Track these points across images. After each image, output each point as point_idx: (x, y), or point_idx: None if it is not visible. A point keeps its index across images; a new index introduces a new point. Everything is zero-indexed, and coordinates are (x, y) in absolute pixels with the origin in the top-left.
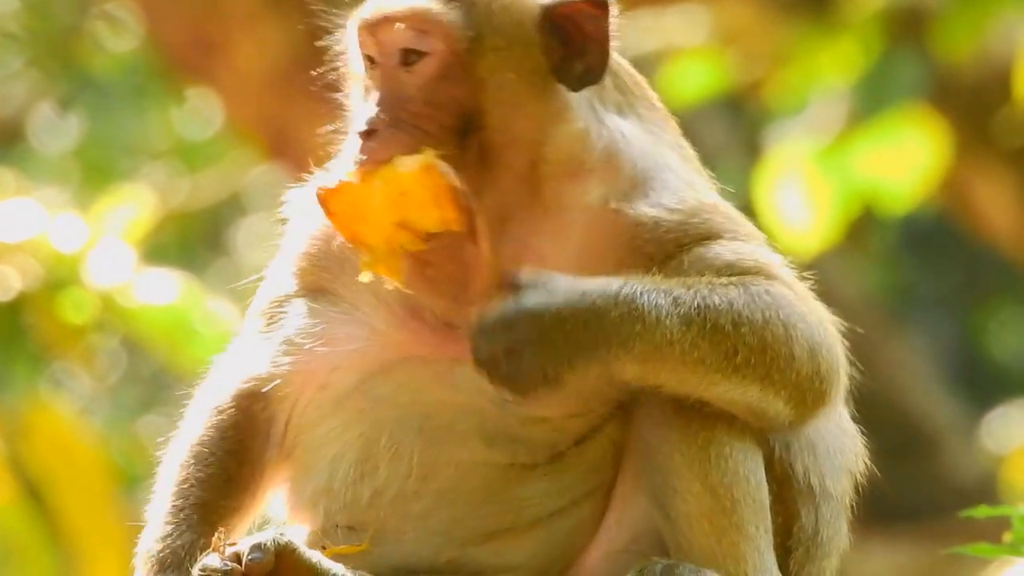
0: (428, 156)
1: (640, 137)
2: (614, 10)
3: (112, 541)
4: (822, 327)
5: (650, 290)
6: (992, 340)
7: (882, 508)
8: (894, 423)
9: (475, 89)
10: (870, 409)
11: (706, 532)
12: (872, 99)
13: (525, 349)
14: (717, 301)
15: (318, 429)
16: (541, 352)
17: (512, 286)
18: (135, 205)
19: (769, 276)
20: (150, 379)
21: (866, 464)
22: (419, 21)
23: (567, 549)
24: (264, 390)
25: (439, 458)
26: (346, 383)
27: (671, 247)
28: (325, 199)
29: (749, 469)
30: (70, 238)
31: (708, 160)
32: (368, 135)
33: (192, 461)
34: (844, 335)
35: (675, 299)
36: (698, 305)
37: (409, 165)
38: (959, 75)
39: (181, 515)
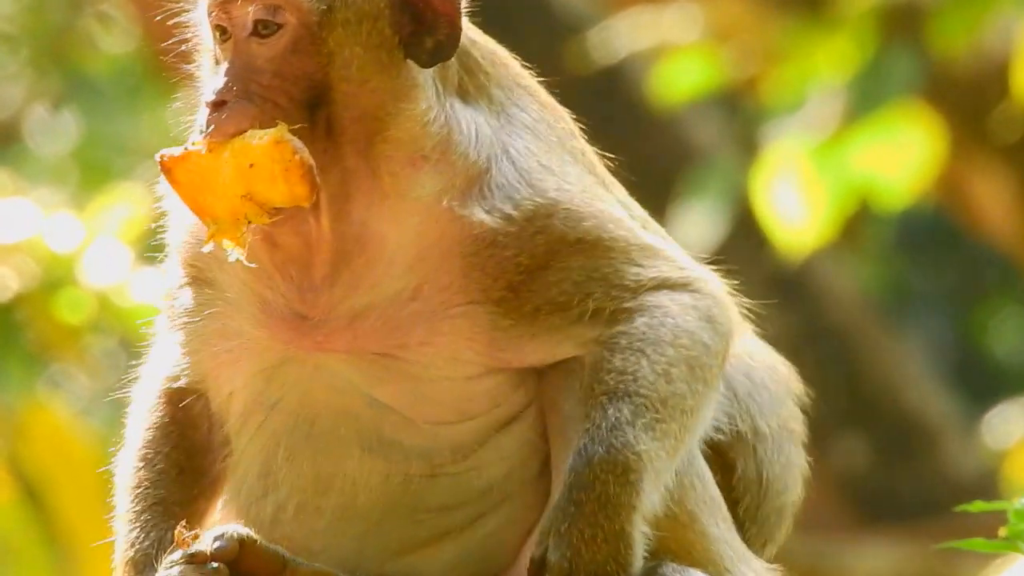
0: (281, 130)
1: (482, 123)
2: None
3: (109, 541)
4: (721, 307)
5: (620, 439)
6: (990, 336)
7: (881, 505)
8: (892, 420)
9: (324, 63)
10: (868, 406)
11: (673, 551)
12: (868, 95)
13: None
14: (649, 378)
15: (234, 443)
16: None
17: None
18: (131, 205)
19: (611, 295)
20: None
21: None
22: None
23: (489, 560)
24: (185, 386)
25: (331, 469)
26: (245, 388)
27: (512, 271)
28: (170, 168)
29: (694, 471)
30: (66, 238)
31: (704, 157)
32: (217, 106)
33: (141, 464)
34: (840, 332)
35: (634, 420)
36: (642, 405)
37: (261, 138)
38: (955, 71)
39: (143, 517)
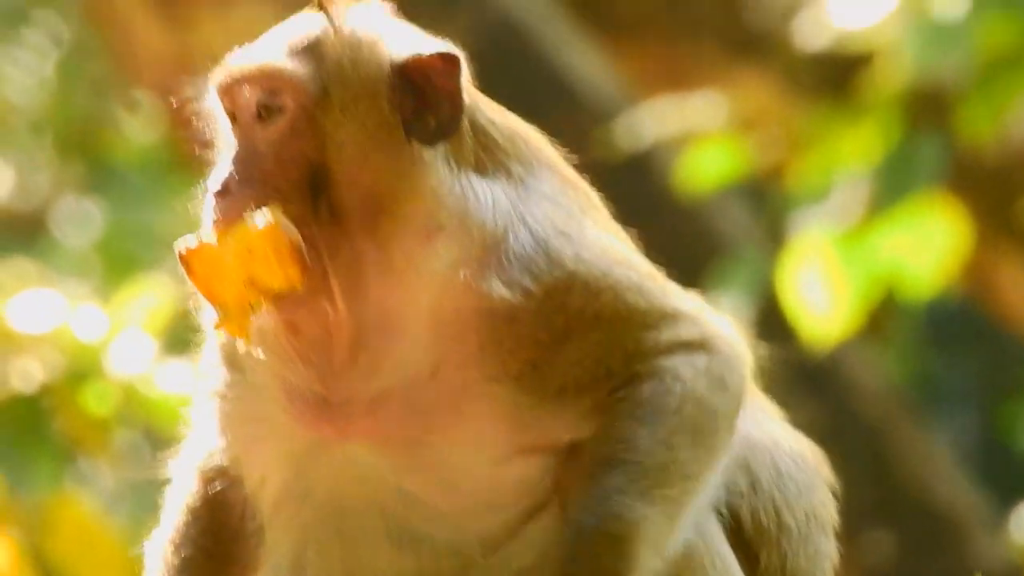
0: (273, 212)
1: (499, 193)
2: (464, 65)
3: None
4: (698, 381)
5: (612, 511)
6: (1018, 430)
7: None
8: (920, 513)
9: (322, 144)
10: (896, 499)
11: None
12: (894, 184)
13: None
14: (658, 459)
15: (267, 534)
16: None
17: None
18: (157, 296)
19: (627, 363)
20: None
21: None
22: (269, 79)
23: None
24: (219, 469)
25: (361, 565)
26: (275, 476)
27: (530, 347)
28: (187, 260)
29: (715, 551)
30: (92, 329)
31: (730, 245)
32: (221, 194)
33: (169, 548)
34: (867, 425)
35: (639, 491)
36: (649, 472)
37: (256, 222)
38: (982, 159)
39: None
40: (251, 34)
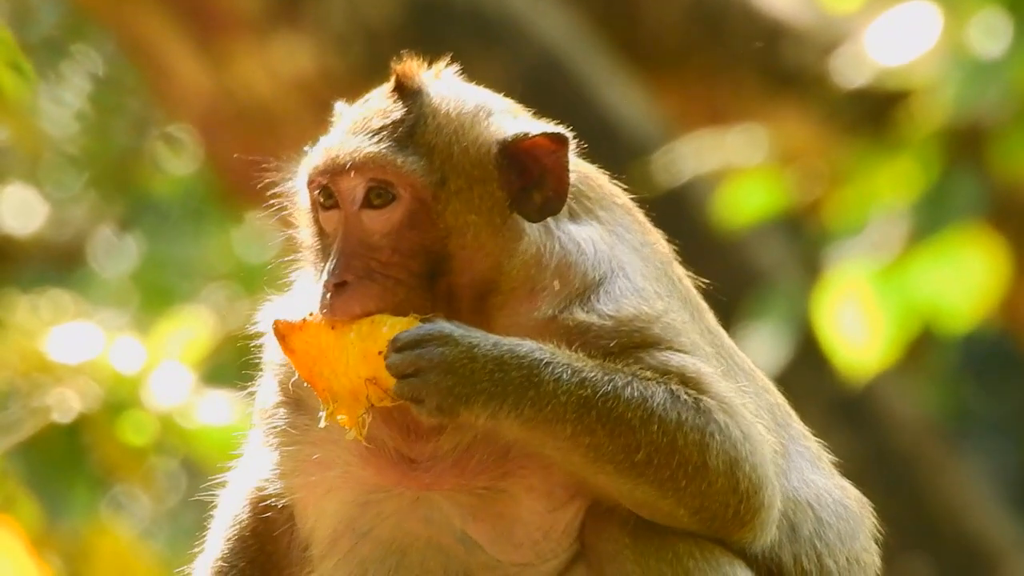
0: (413, 319)
1: (597, 242)
2: (571, 144)
3: None
4: (749, 445)
5: (560, 363)
6: None
7: None
8: (955, 544)
9: (442, 235)
10: (931, 529)
11: None
12: (931, 218)
13: (432, 370)
14: (630, 393)
15: (319, 566)
16: (444, 378)
17: (429, 320)
18: (194, 327)
19: (698, 387)
20: (210, 501)
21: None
22: (382, 172)
23: None
24: (271, 501)
25: None
26: (336, 513)
27: (599, 354)
28: (284, 335)
29: None
30: (129, 360)
31: (768, 279)
32: (340, 287)
33: None
34: (904, 455)
35: (583, 379)
36: (605, 392)
37: (393, 324)
38: (1019, 193)
39: None
40: (288, 67)
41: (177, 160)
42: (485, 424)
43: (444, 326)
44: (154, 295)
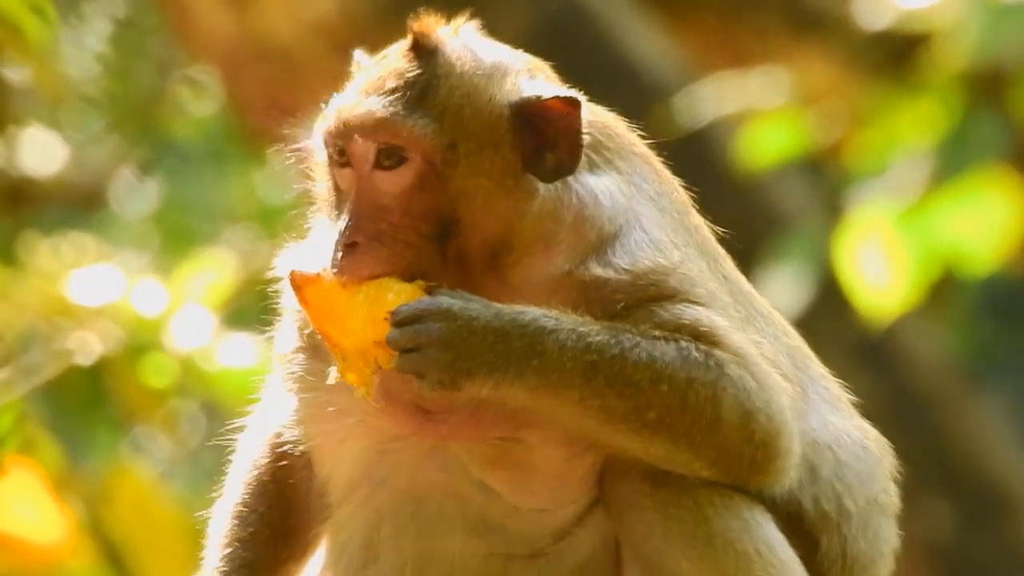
0: (417, 288)
1: (615, 194)
2: (584, 107)
3: None
4: (764, 395)
5: (565, 328)
6: None
7: (963, 571)
8: (975, 486)
9: (452, 198)
10: (951, 472)
11: None
12: (953, 161)
13: (431, 345)
14: (637, 354)
15: (336, 512)
16: (444, 353)
17: (433, 291)
18: (216, 270)
19: (711, 341)
20: (230, 444)
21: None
22: (393, 135)
23: None
24: (290, 446)
25: (432, 547)
26: (354, 461)
27: (615, 308)
28: (300, 286)
29: (760, 538)
30: (151, 303)
31: (789, 222)
32: (350, 247)
33: (235, 522)
34: (925, 398)
35: (588, 344)
36: (612, 355)
37: (398, 293)
38: None
39: None
40: (311, 10)
41: (199, 102)
42: (490, 395)
43: (443, 300)
44: (175, 237)
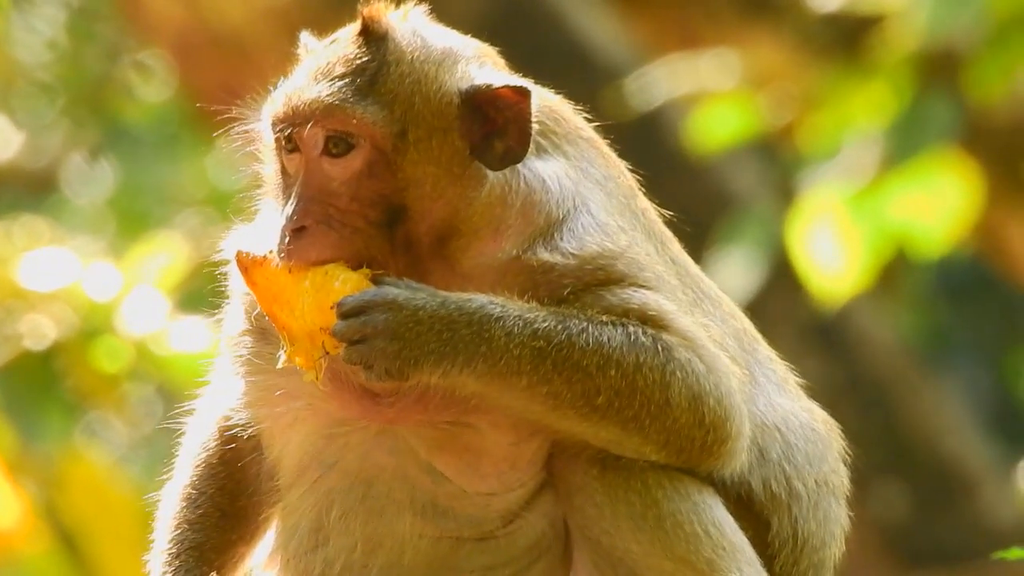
0: (363, 277)
1: (562, 179)
2: (534, 97)
3: None
4: (713, 378)
5: (512, 315)
6: None
7: (918, 552)
8: (931, 468)
9: (401, 184)
10: (905, 454)
11: None
12: (905, 142)
13: (377, 337)
14: (585, 340)
15: (286, 495)
16: (390, 344)
17: (379, 280)
18: (168, 253)
19: (659, 325)
20: (183, 428)
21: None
22: (342, 122)
23: None
24: (239, 429)
25: (381, 530)
26: (303, 444)
27: (563, 293)
28: (247, 268)
29: (709, 520)
30: (104, 287)
31: (741, 204)
32: (297, 232)
33: (184, 504)
34: (878, 380)
35: (536, 330)
36: (560, 341)
37: (344, 282)
38: (992, 117)
39: (177, 562)
40: None
41: (150, 87)
42: (438, 383)
43: (388, 290)
44: (128, 221)
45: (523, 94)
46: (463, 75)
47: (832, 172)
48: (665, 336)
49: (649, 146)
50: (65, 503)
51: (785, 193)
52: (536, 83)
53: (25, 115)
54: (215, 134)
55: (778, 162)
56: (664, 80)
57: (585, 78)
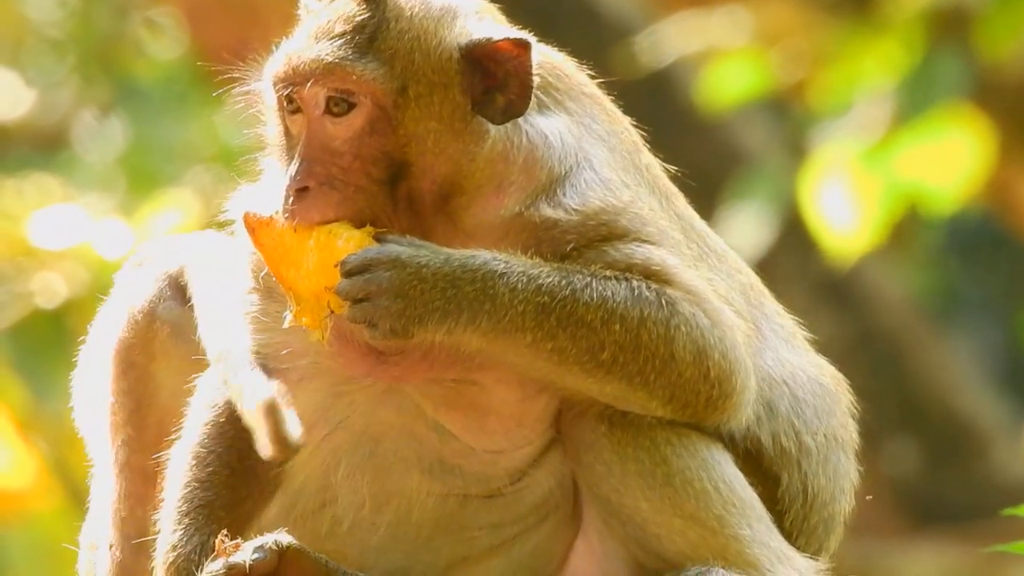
0: (366, 235)
1: (565, 135)
2: (534, 49)
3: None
4: (718, 332)
5: (515, 271)
6: None
7: (929, 509)
8: (942, 424)
9: (403, 141)
10: (917, 410)
11: (707, 558)
12: (916, 99)
13: (381, 295)
14: (589, 295)
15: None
16: (395, 302)
17: (382, 238)
18: (179, 211)
19: (662, 280)
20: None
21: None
22: (342, 80)
23: (535, 572)
24: None
25: (388, 487)
26: (310, 402)
27: (566, 249)
28: (254, 228)
29: (719, 476)
30: (114, 244)
31: (752, 161)
32: (301, 192)
33: (193, 462)
34: (889, 337)
35: (539, 286)
36: (563, 296)
37: (347, 240)
38: (1003, 74)
39: (187, 519)
40: None
41: (161, 44)
42: (443, 340)
43: (391, 248)
44: (139, 179)
45: (523, 47)
46: (462, 30)
47: (843, 129)
48: (669, 290)
49: (660, 104)
50: (75, 460)
51: (796, 150)
52: (545, 42)
53: (35, 72)
54: (222, 92)
55: (789, 119)
56: (675, 37)
57: (595, 36)
